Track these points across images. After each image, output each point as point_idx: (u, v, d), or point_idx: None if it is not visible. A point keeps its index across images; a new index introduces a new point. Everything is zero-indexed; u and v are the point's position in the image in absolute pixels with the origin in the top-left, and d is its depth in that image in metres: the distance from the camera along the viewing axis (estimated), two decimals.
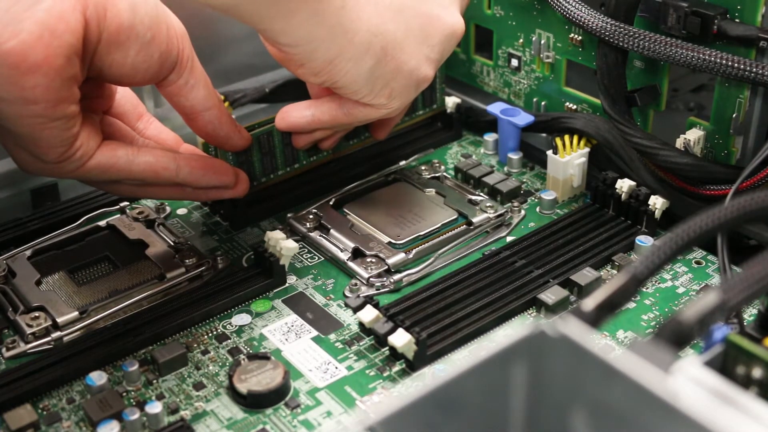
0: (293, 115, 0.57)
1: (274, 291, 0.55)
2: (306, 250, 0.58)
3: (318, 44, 0.48)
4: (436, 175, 0.64)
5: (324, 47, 0.49)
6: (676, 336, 0.30)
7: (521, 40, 0.66)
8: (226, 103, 0.66)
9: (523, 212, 0.61)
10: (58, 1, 0.43)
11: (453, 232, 0.58)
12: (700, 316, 0.31)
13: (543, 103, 0.66)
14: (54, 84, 0.44)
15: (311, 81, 0.52)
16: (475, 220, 0.59)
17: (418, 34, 0.53)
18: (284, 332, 0.52)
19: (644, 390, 0.27)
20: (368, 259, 0.56)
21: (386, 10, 0.51)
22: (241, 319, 0.53)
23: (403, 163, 0.66)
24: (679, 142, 0.56)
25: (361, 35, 0.49)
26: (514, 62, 0.67)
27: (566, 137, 0.61)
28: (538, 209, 0.62)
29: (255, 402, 0.46)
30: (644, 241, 0.56)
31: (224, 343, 0.51)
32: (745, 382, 0.34)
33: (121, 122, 0.55)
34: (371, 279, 0.55)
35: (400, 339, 0.48)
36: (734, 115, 0.54)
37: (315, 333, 0.52)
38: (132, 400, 0.47)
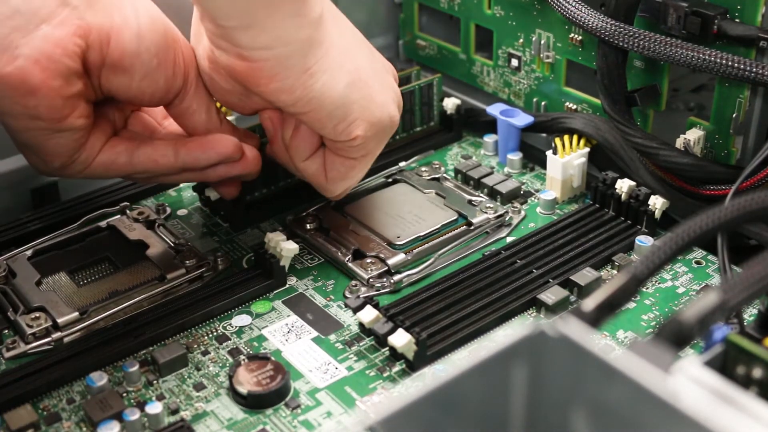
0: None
1: (275, 292, 0.55)
2: (306, 252, 0.58)
3: (296, 48, 0.46)
4: (436, 176, 0.64)
5: (301, 52, 0.47)
6: (676, 336, 0.30)
7: (521, 40, 0.66)
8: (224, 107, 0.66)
9: (523, 213, 0.61)
10: (55, 28, 0.45)
11: (453, 232, 0.58)
12: (701, 316, 0.31)
13: (543, 103, 0.66)
14: (55, 103, 0.46)
15: (282, 101, 0.49)
16: (475, 220, 0.59)
17: (380, 72, 0.53)
18: (284, 333, 0.52)
19: (644, 390, 0.27)
20: (368, 260, 0.56)
21: (353, 40, 0.51)
22: (241, 320, 0.53)
23: (403, 164, 0.66)
24: (679, 142, 0.56)
25: (335, 50, 0.49)
26: (514, 62, 0.67)
27: (566, 137, 0.61)
28: (538, 209, 0.62)
29: (255, 402, 0.46)
30: (644, 241, 0.56)
31: (224, 344, 0.51)
32: (746, 382, 0.34)
33: (149, 117, 0.56)
34: (371, 280, 0.55)
35: (400, 339, 0.48)
36: (734, 115, 0.54)
37: (315, 334, 0.52)
38: (132, 401, 0.47)
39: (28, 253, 0.57)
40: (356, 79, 0.50)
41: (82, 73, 0.47)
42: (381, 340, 0.50)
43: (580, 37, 0.61)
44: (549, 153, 0.61)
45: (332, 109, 0.49)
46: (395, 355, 0.49)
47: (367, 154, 0.53)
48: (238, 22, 0.45)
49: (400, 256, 0.56)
